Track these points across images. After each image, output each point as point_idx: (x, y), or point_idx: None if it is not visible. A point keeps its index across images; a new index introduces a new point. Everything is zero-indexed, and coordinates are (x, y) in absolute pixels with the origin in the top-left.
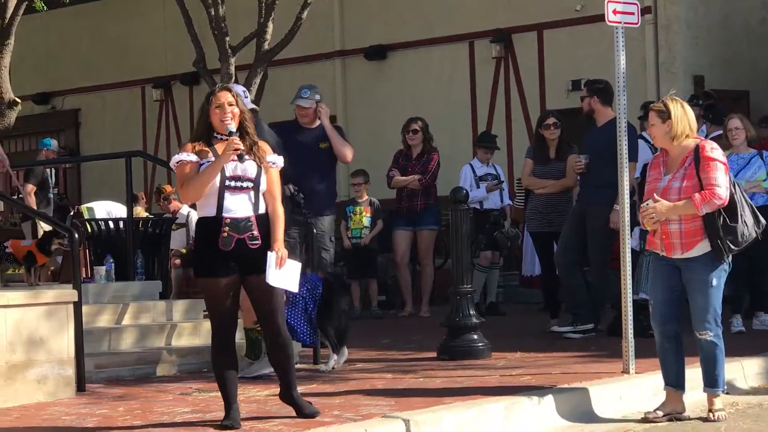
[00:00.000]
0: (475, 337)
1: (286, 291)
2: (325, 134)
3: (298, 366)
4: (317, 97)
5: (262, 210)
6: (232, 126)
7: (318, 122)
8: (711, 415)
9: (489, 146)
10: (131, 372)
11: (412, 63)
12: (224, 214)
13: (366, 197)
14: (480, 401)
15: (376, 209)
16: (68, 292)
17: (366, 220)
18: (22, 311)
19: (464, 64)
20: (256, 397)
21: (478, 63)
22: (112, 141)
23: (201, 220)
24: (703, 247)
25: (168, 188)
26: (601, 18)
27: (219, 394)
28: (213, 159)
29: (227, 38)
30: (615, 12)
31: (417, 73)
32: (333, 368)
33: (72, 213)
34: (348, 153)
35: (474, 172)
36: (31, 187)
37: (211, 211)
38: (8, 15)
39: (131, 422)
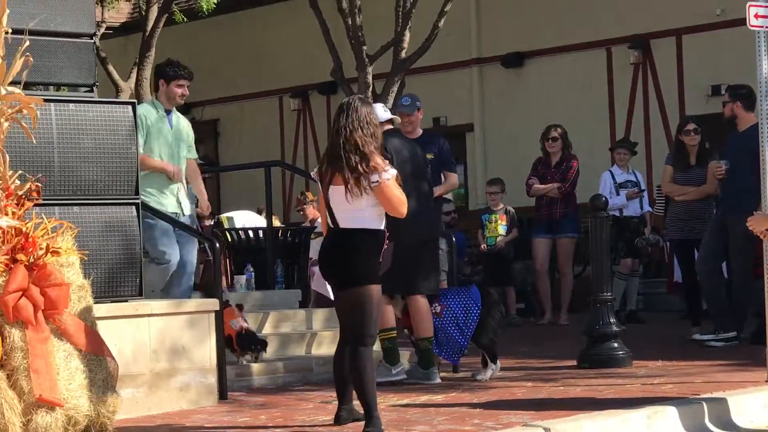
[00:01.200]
0: (616, 345)
1: (440, 303)
2: (429, 143)
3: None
4: (418, 104)
5: None
6: None
7: (420, 131)
8: None
9: (623, 146)
10: (272, 380)
11: (550, 70)
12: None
13: (501, 206)
14: (622, 411)
15: (512, 217)
16: (210, 301)
17: (501, 228)
18: (165, 320)
19: (602, 71)
20: (397, 405)
21: (615, 69)
22: (250, 151)
23: (376, 232)
24: None
25: (311, 195)
26: (742, 22)
27: (359, 402)
28: None
29: (364, 47)
30: (757, 16)
31: (554, 80)
32: (489, 378)
33: (212, 223)
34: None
35: (614, 179)
36: None
37: (381, 224)
38: (149, 27)
39: (273, 430)
